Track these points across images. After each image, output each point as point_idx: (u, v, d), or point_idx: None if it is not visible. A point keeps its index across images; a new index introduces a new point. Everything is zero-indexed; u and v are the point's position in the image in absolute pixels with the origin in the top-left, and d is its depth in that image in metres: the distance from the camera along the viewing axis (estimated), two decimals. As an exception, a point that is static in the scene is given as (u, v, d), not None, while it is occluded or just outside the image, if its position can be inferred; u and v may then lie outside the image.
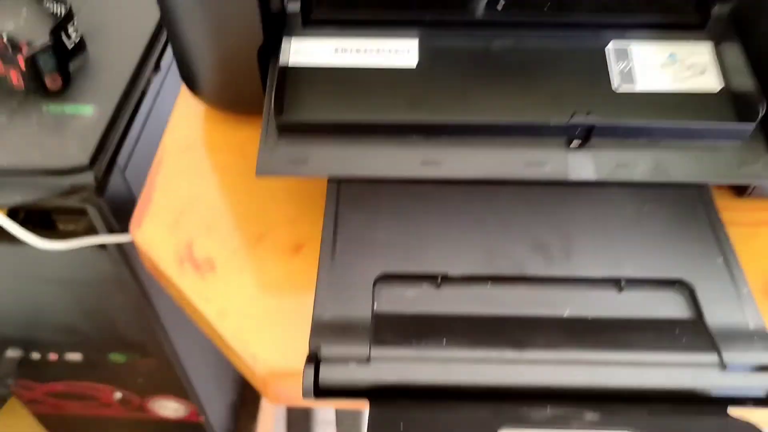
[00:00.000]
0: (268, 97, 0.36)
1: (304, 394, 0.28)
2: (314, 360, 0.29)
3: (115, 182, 0.50)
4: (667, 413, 0.27)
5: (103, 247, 0.53)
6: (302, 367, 0.29)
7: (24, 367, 0.70)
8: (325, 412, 1.03)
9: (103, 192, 0.48)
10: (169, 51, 0.56)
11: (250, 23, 0.36)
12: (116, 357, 0.68)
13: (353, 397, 0.29)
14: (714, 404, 0.28)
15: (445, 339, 0.29)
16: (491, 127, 0.35)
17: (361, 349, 0.29)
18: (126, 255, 0.54)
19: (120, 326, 0.64)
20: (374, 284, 0.32)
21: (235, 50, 0.38)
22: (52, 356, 0.69)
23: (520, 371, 0.28)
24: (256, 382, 0.36)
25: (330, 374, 0.28)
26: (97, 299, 0.60)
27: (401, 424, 0.26)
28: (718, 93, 0.37)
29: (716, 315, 0.30)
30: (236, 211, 0.41)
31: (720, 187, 0.40)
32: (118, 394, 0.75)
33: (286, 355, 0.34)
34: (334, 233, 0.33)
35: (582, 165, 0.35)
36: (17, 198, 0.44)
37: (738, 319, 0.30)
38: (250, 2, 0.35)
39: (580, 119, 0.35)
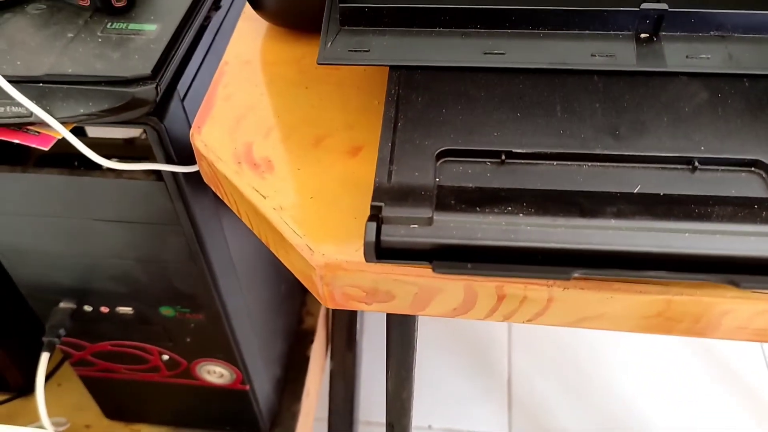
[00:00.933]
0: (331, -13, 0.36)
1: (366, 253, 0.28)
2: (376, 219, 0.28)
3: (174, 110, 0.51)
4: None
5: (160, 179, 0.54)
6: (360, 259, 0.29)
7: (75, 321, 0.71)
8: (368, 411, 1.02)
9: (163, 116, 0.49)
10: (229, -9, 0.58)
11: None
12: (166, 311, 0.69)
13: (415, 259, 0.28)
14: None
15: (510, 206, 0.29)
16: (557, 14, 0.35)
17: (423, 212, 0.29)
18: (182, 191, 0.55)
19: (171, 275, 0.65)
20: (436, 158, 0.31)
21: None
22: (103, 309, 0.71)
23: (590, 235, 0.28)
24: (310, 278, 0.36)
25: (392, 233, 0.28)
26: (150, 242, 0.62)
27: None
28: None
29: None
30: (295, 117, 0.41)
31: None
32: (165, 356, 0.76)
33: (342, 249, 0.34)
34: (396, 112, 0.33)
35: (651, 55, 0.35)
36: (82, 110, 0.45)
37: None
38: None
39: (651, 5, 0.34)
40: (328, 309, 1.00)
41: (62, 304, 0.69)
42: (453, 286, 0.33)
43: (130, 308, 0.69)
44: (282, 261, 0.39)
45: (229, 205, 0.42)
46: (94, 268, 0.65)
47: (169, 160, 0.52)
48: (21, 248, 0.64)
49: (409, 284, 0.34)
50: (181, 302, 0.67)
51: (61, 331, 0.68)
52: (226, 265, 0.65)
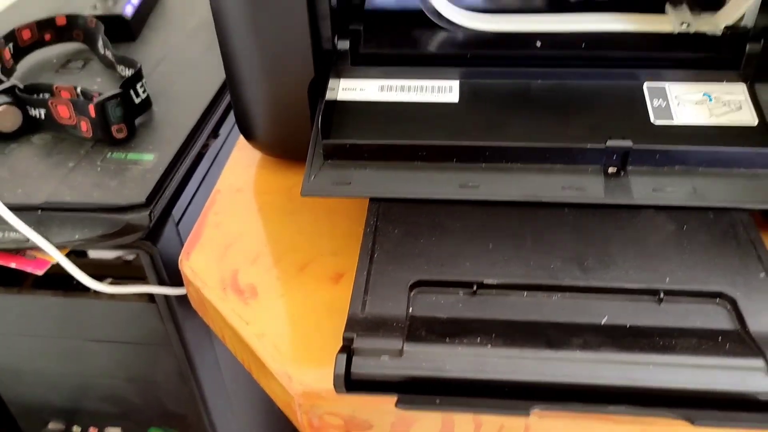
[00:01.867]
0: (315, 123, 0.39)
1: (336, 384, 0.29)
2: (347, 351, 0.29)
3: (168, 234, 0.53)
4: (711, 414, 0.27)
5: (152, 301, 0.56)
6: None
7: (63, 442, 0.71)
8: None
9: (157, 240, 0.51)
10: (227, 120, 0.61)
11: (303, 58, 0.40)
12: None
13: (384, 391, 0.29)
14: (760, 409, 0.27)
15: (479, 338, 0.30)
16: (529, 151, 0.37)
17: (394, 343, 0.30)
18: (174, 312, 0.57)
19: (162, 395, 0.66)
20: (410, 289, 0.33)
21: (288, 86, 0.42)
22: (92, 430, 0.70)
23: (555, 368, 0.29)
24: (290, 406, 0.37)
25: (362, 365, 0.29)
26: (142, 362, 0.62)
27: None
28: (755, 127, 0.39)
29: (761, 324, 0.30)
30: (281, 245, 0.43)
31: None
32: (153, 478, 0.75)
33: (322, 376, 0.35)
34: (373, 243, 0.35)
35: (619, 189, 0.37)
36: (77, 235, 0.47)
37: (784, 325, 0.30)
38: (303, 38, 0.40)
39: (616, 143, 0.36)
40: None
41: (51, 425, 0.69)
42: (430, 415, 0.33)
43: (119, 428, 0.68)
44: (263, 387, 0.40)
45: (213, 329, 0.43)
46: (85, 388, 0.66)
47: (161, 282, 0.53)
48: (13, 368, 0.65)
49: (386, 413, 0.34)
50: (171, 423, 0.67)
51: (47, 455, 0.67)
52: (217, 386, 0.65)
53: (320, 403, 0.35)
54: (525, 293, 0.33)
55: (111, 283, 0.53)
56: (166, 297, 0.54)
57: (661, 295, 0.32)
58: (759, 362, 0.28)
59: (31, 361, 0.64)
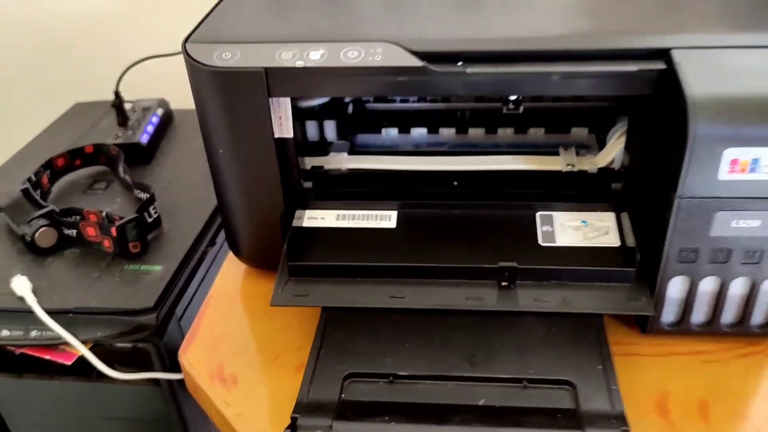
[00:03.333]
0: (283, 248, 0.52)
1: (283, 452, 0.41)
2: (293, 427, 0.41)
3: (171, 330, 0.65)
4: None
5: (157, 384, 0.67)
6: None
7: None
8: None
9: (163, 334, 0.64)
10: (222, 231, 0.74)
11: (275, 195, 0.53)
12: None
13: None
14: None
15: (389, 416, 0.42)
16: (442, 269, 0.50)
17: (326, 421, 0.41)
18: (175, 394, 0.68)
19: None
20: (344, 380, 0.45)
21: (264, 215, 0.55)
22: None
23: (442, 438, 0.40)
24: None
25: (303, 437, 0.41)
26: (148, 437, 0.74)
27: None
28: (618, 247, 0.51)
29: (589, 404, 0.41)
30: (258, 342, 0.55)
31: (629, 325, 0.52)
32: None
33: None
34: (321, 343, 0.47)
35: (508, 298, 0.49)
36: (99, 333, 0.60)
37: (605, 407, 0.41)
38: (275, 182, 0.52)
39: (506, 264, 0.49)
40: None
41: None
42: None
43: (129, 497, 0.79)
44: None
45: (204, 410, 0.55)
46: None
47: (165, 369, 0.65)
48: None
49: None
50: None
51: None
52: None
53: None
54: (429, 382, 0.44)
55: (123, 371, 0.65)
56: (169, 381, 0.66)
57: (525, 383, 0.43)
58: None
59: (54, 435, 0.75)
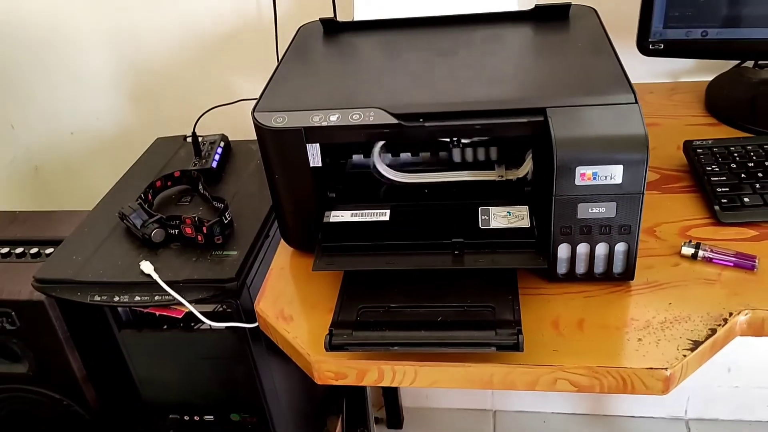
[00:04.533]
0: (319, 236, 0.78)
1: (326, 349, 0.67)
2: (330, 334, 0.67)
3: (244, 294, 0.91)
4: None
5: (235, 331, 0.94)
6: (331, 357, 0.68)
7: (178, 429, 1.08)
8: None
9: (240, 296, 0.90)
10: (274, 225, 1.01)
11: (311, 204, 0.79)
12: (234, 416, 1.06)
13: (344, 349, 0.67)
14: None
15: (386, 328, 0.68)
16: (417, 245, 0.74)
17: (348, 331, 0.67)
18: (248, 339, 0.95)
19: (239, 392, 1.03)
20: (358, 310, 0.71)
21: (305, 216, 0.80)
22: (195, 418, 1.07)
23: (418, 337, 0.66)
24: (308, 368, 0.74)
25: (335, 341, 0.67)
26: (228, 371, 1.00)
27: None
28: (528, 228, 0.76)
29: (502, 317, 0.67)
30: (303, 296, 0.81)
31: (541, 276, 0.77)
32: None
33: (324, 354, 0.72)
34: (343, 291, 0.73)
35: (458, 261, 0.74)
36: (200, 296, 0.86)
37: (510, 318, 0.67)
38: (310, 193, 0.78)
39: (456, 240, 0.74)
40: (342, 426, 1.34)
41: (171, 416, 1.06)
42: (372, 366, 0.71)
43: (212, 416, 1.06)
44: (296, 362, 0.77)
45: (273, 340, 0.81)
46: (193, 389, 1.03)
47: (241, 321, 0.92)
48: (151, 378, 1.03)
49: (351, 368, 0.71)
50: (244, 410, 1.04)
51: (171, 435, 1.04)
52: (273, 386, 1.03)
53: (323, 365, 0.72)
54: (408, 309, 0.70)
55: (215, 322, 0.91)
56: (246, 329, 0.92)
57: (465, 307, 0.69)
58: (490, 333, 0.65)
59: (161, 372, 1.02)
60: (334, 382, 0.73)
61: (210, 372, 1.00)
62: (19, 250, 1.07)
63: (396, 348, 0.65)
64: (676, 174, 0.94)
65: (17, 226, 1.14)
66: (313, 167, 0.76)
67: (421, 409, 1.80)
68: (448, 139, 0.80)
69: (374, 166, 0.85)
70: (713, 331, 0.68)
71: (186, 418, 1.07)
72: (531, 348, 0.68)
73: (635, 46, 1.02)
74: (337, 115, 0.73)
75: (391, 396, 1.67)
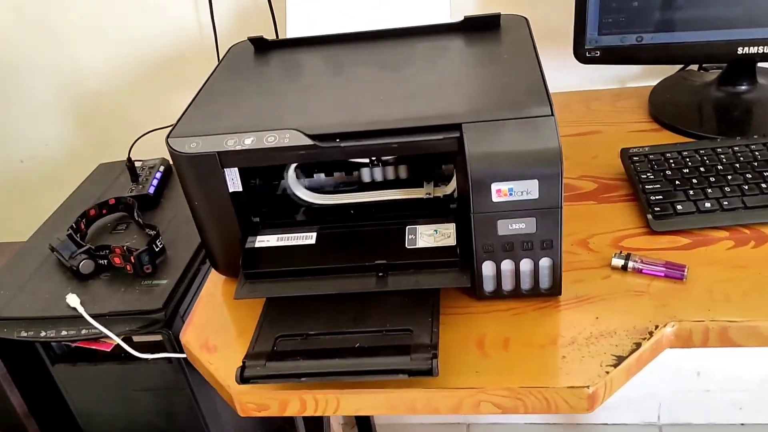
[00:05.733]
0: (241, 263, 0.76)
1: (236, 381, 0.65)
2: (242, 367, 0.65)
3: (177, 323, 0.90)
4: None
5: (169, 361, 0.92)
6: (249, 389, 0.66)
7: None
8: None
9: (171, 326, 0.88)
10: (211, 251, 0.99)
11: (234, 229, 0.77)
12: (179, 449, 1.03)
13: (257, 381, 0.65)
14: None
15: (301, 357, 0.66)
16: (340, 268, 0.73)
17: (261, 362, 0.65)
18: (183, 368, 0.93)
19: (180, 423, 1.01)
20: (276, 339, 0.69)
21: (229, 242, 0.79)
22: (140, 451, 1.05)
23: (329, 365, 0.64)
24: (231, 399, 0.72)
25: (247, 372, 0.65)
26: (167, 402, 0.98)
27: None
28: (453, 247, 0.75)
29: (418, 340, 0.65)
30: (229, 324, 0.79)
31: (469, 294, 0.76)
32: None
33: (246, 388, 0.70)
34: (263, 319, 0.71)
35: (381, 283, 0.72)
36: (127, 328, 0.84)
37: (427, 341, 0.65)
38: (232, 219, 0.76)
39: (379, 261, 0.73)
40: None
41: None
42: (292, 396, 0.69)
43: (157, 448, 1.03)
44: (222, 396, 0.75)
45: (198, 370, 0.79)
46: (133, 422, 1.01)
47: (174, 351, 0.90)
48: (90, 411, 1.01)
49: (272, 399, 0.70)
50: (188, 440, 1.02)
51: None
52: (217, 414, 1.00)
53: (243, 396, 0.70)
54: (327, 336, 0.68)
55: (146, 353, 0.89)
56: (178, 359, 0.90)
57: (384, 332, 0.67)
58: (405, 359, 0.63)
59: (100, 405, 0.99)
60: (258, 414, 0.72)
61: (149, 403, 0.97)
62: (-47, 284, 1.05)
63: (305, 379, 0.63)
64: (613, 183, 0.93)
65: (-48, 260, 1.12)
66: (233, 192, 0.75)
67: (393, 425, 1.78)
68: (367, 159, 0.78)
69: (290, 190, 0.83)
70: (638, 345, 0.67)
71: (128, 452, 1.04)
72: (454, 370, 0.67)
73: (575, 54, 1.02)
74: (252, 138, 0.71)
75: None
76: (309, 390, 0.68)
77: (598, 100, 1.15)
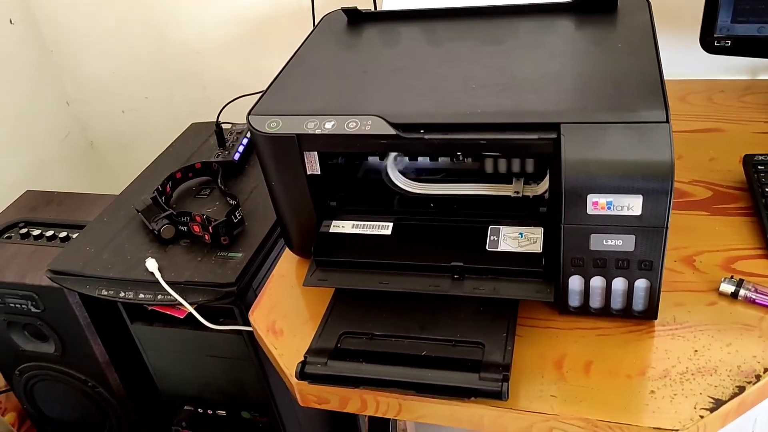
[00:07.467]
0: (312, 248, 0.73)
1: (296, 377, 0.62)
2: (303, 362, 0.63)
3: (250, 296, 0.89)
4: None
5: (240, 334, 0.91)
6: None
7: (192, 420, 1.08)
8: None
9: (243, 299, 0.87)
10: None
11: (310, 212, 0.74)
12: (245, 414, 1.04)
13: (319, 381, 0.62)
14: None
15: (364, 359, 0.62)
16: (414, 266, 0.69)
17: (323, 359, 0.63)
18: (253, 340, 0.92)
19: (248, 390, 1.01)
20: (340, 335, 0.66)
21: (304, 224, 0.76)
22: (209, 412, 1.07)
23: (397, 373, 0.61)
24: (293, 389, 0.70)
25: (308, 369, 0.62)
26: (235, 369, 0.98)
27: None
28: (540, 253, 0.69)
29: (490, 357, 0.60)
30: (297, 309, 0.77)
31: (552, 308, 0.70)
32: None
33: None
34: (330, 311, 0.68)
35: (458, 286, 0.67)
36: (200, 298, 0.84)
37: (499, 360, 0.60)
38: (308, 201, 0.73)
39: (456, 263, 0.68)
40: None
41: (186, 407, 1.06)
42: (354, 394, 0.66)
43: (224, 412, 1.05)
44: (285, 381, 0.73)
45: (264, 351, 0.77)
46: (205, 385, 1.02)
47: (245, 324, 0.89)
48: (166, 371, 1.03)
49: (333, 394, 0.67)
50: (254, 408, 1.02)
51: (183, 424, 1.04)
52: (282, 385, 1.00)
53: (303, 388, 0.68)
54: (393, 339, 0.65)
55: (217, 324, 0.89)
56: (248, 331, 0.89)
57: (454, 342, 0.63)
58: (474, 377, 0.59)
59: (174, 365, 1.01)
60: (318, 406, 0.69)
61: (219, 370, 0.98)
62: (50, 233, 1.09)
63: (364, 387, 0.60)
64: (731, 192, 0.83)
65: (53, 208, 1.16)
66: (310, 174, 0.72)
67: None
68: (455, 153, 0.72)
69: (386, 172, 0.79)
70: (741, 389, 0.59)
71: (200, 410, 1.06)
72: (527, 390, 0.62)
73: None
74: (333, 122, 0.67)
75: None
76: (371, 390, 0.65)
77: (722, 92, 1.02)
